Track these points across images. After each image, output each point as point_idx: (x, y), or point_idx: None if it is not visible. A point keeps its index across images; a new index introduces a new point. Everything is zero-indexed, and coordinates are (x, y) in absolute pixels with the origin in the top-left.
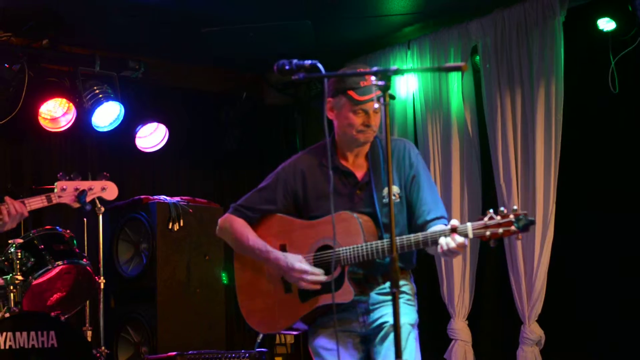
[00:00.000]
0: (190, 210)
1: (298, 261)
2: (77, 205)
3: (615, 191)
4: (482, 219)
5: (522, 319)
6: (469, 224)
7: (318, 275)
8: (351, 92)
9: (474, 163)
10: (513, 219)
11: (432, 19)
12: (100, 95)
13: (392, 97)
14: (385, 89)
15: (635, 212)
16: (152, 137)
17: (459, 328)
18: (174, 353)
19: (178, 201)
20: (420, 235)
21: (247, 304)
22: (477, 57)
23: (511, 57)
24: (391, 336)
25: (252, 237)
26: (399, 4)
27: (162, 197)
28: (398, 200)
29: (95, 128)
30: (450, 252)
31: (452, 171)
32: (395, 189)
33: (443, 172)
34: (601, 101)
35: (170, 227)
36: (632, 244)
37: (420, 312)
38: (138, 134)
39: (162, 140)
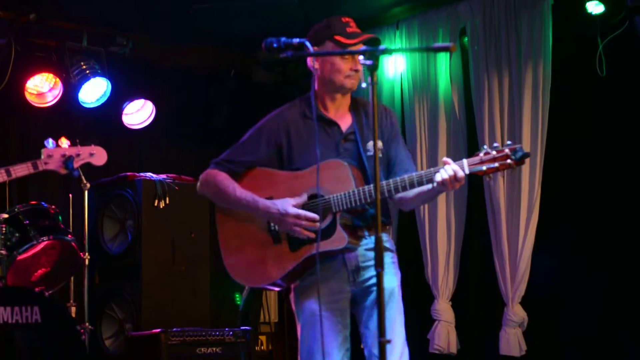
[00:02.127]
0: (177, 188)
1: (290, 207)
2: (64, 171)
3: (602, 174)
4: (477, 155)
5: (505, 300)
6: (464, 160)
7: (314, 219)
8: (339, 37)
9: (461, 144)
10: (509, 152)
11: (422, 0)
12: (87, 71)
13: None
14: (373, 68)
15: (621, 195)
16: (139, 113)
17: (443, 309)
18: (157, 330)
19: (164, 178)
20: (414, 175)
21: (232, 259)
22: (466, 39)
23: (499, 39)
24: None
25: (238, 189)
26: None
27: (149, 174)
28: (380, 155)
29: (82, 104)
30: (447, 184)
31: (438, 153)
32: (380, 143)
33: (430, 153)
34: (588, 84)
35: (156, 204)
36: (618, 228)
37: (404, 293)
38: (125, 111)
39: (149, 117)
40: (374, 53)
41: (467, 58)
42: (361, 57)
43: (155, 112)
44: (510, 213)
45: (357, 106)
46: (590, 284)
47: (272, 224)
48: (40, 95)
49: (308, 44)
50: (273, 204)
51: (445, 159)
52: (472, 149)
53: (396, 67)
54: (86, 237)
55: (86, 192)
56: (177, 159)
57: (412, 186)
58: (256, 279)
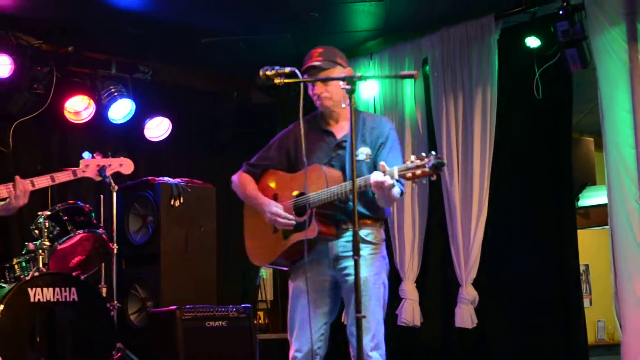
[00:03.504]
0: (189, 190)
1: (274, 206)
2: (98, 178)
3: (537, 177)
4: (405, 163)
5: (460, 282)
6: (395, 167)
7: (289, 217)
8: (306, 70)
9: (423, 155)
10: (426, 162)
11: (391, 35)
12: (116, 94)
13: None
14: (351, 92)
15: (551, 196)
16: (158, 128)
17: (409, 289)
18: (174, 307)
19: (179, 182)
20: (362, 179)
21: (249, 244)
22: (427, 67)
23: (455, 67)
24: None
25: (250, 188)
26: (363, 22)
27: (166, 178)
28: (368, 161)
29: (111, 121)
30: (378, 186)
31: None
32: (368, 150)
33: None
34: (527, 104)
35: (172, 203)
36: (546, 225)
37: None
38: (146, 126)
39: (166, 131)
40: (351, 79)
41: (428, 83)
42: (341, 83)
43: (172, 127)
44: (464, 208)
45: (356, 119)
46: (533, 268)
47: None
48: (76, 113)
49: (298, 72)
50: (266, 203)
51: (382, 162)
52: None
53: (370, 91)
54: (114, 231)
55: (114, 194)
56: (189, 166)
57: (359, 188)
58: (262, 259)
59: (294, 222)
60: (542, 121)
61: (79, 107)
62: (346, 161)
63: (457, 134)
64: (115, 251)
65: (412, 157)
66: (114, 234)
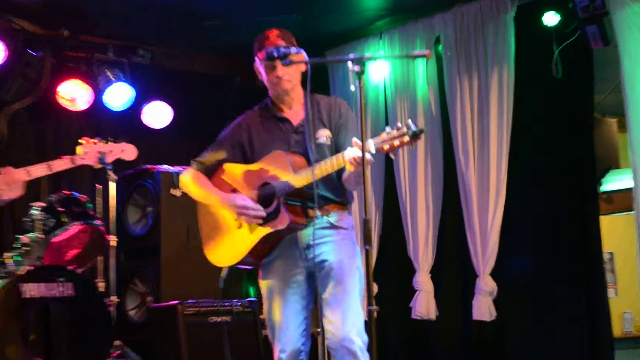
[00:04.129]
0: None
1: (240, 199)
2: (99, 165)
3: (558, 162)
4: (380, 135)
5: (477, 272)
6: (370, 140)
7: (258, 209)
8: (260, 54)
9: (437, 138)
10: (405, 130)
11: (401, 14)
12: (113, 79)
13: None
14: (360, 73)
15: (572, 181)
16: (158, 115)
17: (423, 280)
18: (175, 302)
19: (179, 170)
20: (333, 157)
21: (210, 246)
22: (440, 47)
23: (469, 47)
24: (332, 275)
25: (203, 185)
26: (372, 2)
27: (166, 166)
28: (329, 143)
29: (108, 107)
30: (356, 162)
31: (417, 146)
32: (328, 132)
33: (409, 148)
34: (546, 84)
35: (172, 193)
36: (567, 211)
37: (390, 267)
38: (144, 111)
39: (166, 118)
40: (360, 60)
41: (441, 64)
42: (350, 64)
43: (172, 113)
44: (481, 195)
45: (312, 102)
46: (552, 257)
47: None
48: (72, 100)
49: (304, 53)
50: (228, 197)
51: (354, 139)
52: (446, 142)
53: (380, 72)
54: (112, 222)
55: (112, 183)
56: (190, 153)
57: (332, 167)
58: (227, 259)
59: (264, 213)
60: (562, 102)
61: (74, 94)
62: (308, 146)
63: (472, 116)
64: (113, 244)
65: (387, 129)
66: (112, 225)
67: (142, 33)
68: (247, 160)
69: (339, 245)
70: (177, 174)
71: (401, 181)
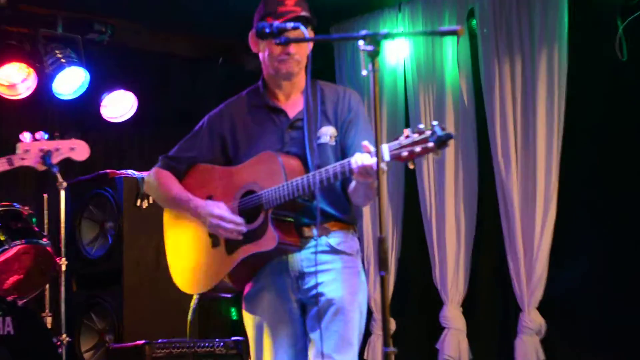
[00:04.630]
0: None
1: (217, 208)
2: (42, 167)
3: (623, 166)
4: (397, 139)
5: (520, 306)
6: (384, 145)
7: (238, 222)
8: (269, 19)
9: (470, 137)
10: (428, 135)
11: None
12: (63, 60)
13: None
14: (374, 54)
15: None
16: (119, 105)
17: (453, 316)
18: (141, 342)
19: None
20: (337, 165)
21: (177, 266)
22: (474, 21)
23: (511, 22)
24: (328, 314)
25: (174, 188)
26: None
27: (130, 171)
28: (334, 143)
29: (57, 96)
30: (364, 172)
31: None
32: (332, 130)
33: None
34: (608, 69)
35: (138, 204)
36: (632, 230)
37: (411, 299)
38: (103, 102)
39: (130, 109)
40: (374, 38)
41: (475, 43)
42: (361, 43)
43: (137, 104)
44: (525, 208)
45: (314, 91)
46: (617, 286)
47: None
48: (11, 86)
49: (304, 28)
50: (203, 205)
51: (365, 142)
52: (482, 143)
53: (399, 53)
54: (62, 241)
55: (62, 192)
56: (162, 153)
57: (336, 177)
58: (199, 284)
59: (244, 229)
60: (628, 89)
61: (14, 79)
62: (306, 146)
63: (514, 108)
64: (63, 268)
65: (407, 131)
66: (62, 245)
67: (99, 3)
68: (228, 160)
69: (340, 275)
70: (145, 179)
71: (425, 191)
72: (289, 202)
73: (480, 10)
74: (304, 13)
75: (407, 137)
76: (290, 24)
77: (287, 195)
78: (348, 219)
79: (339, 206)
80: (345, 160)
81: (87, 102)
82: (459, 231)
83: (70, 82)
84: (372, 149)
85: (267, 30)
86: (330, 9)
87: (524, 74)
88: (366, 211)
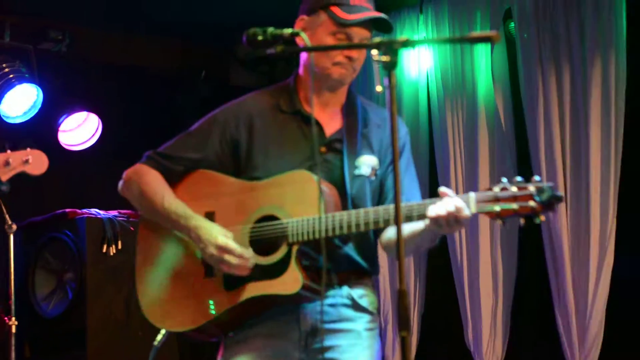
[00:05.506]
0: (132, 228)
1: (221, 235)
2: None
3: None
4: (491, 189)
5: None
6: (471, 194)
7: (246, 256)
8: (335, 9)
9: (508, 163)
10: (534, 191)
11: None
12: (11, 76)
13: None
14: (391, 66)
15: None
16: (80, 130)
17: None
18: None
19: (115, 216)
20: (404, 206)
21: (149, 290)
22: (512, 24)
23: (556, 24)
24: None
25: (168, 196)
26: None
27: (94, 210)
28: (373, 178)
29: (4, 119)
30: (447, 221)
31: (479, 174)
32: (375, 161)
33: (467, 175)
34: None
35: (104, 250)
36: None
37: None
38: (62, 127)
39: (93, 134)
40: (391, 46)
41: (514, 49)
42: (375, 52)
43: (102, 128)
44: (577, 253)
45: (354, 109)
46: None
47: None
48: None
49: (304, 35)
50: (207, 228)
51: (443, 189)
52: (523, 170)
53: (421, 63)
54: (12, 297)
55: (11, 236)
56: None
57: (387, 223)
58: (176, 321)
59: (251, 264)
60: None
61: None
62: (346, 175)
63: (562, 128)
64: (13, 330)
65: (504, 181)
66: (12, 301)
67: (54, 6)
68: (238, 171)
69: (360, 340)
70: (112, 221)
71: (455, 234)
72: (320, 240)
73: (519, 11)
74: (381, 14)
75: (504, 189)
76: (288, 31)
77: (323, 231)
78: (372, 270)
79: (367, 254)
80: (414, 204)
81: (40, 126)
82: (496, 281)
83: (20, 101)
84: (451, 194)
85: (261, 38)
86: None
87: (574, 86)
88: (382, 258)
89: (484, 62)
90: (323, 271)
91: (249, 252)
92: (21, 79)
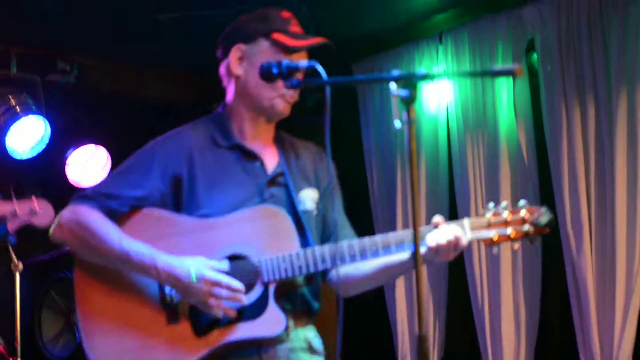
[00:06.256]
0: None
1: (207, 267)
2: None
3: None
4: (483, 215)
5: None
6: (465, 220)
7: (237, 287)
8: (278, 36)
9: (530, 199)
10: (527, 215)
11: (472, 3)
12: (18, 108)
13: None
14: (410, 100)
15: None
16: (89, 164)
17: None
18: None
19: None
20: (390, 235)
21: (98, 345)
22: (535, 56)
23: (581, 56)
24: None
25: (125, 237)
26: None
27: None
28: (316, 212)
29: (10, 153)
30: (446, 250)
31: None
32: (315, 194)
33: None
34: None
35: None
36: None
37: None
38: (69, 160)
39: (102, 168)
40: (410, 80)
41: (536, 82)
42: (393, 86)
43: (111, 162)
44: (602, 295)
45: (283, 142)
46: None
47: (167, 293)
48: None
49: (320, 68)
50: (180, 264)
51: (438, 218)
52: (545, 204)
53: (440, 97)
54: (18, 338)
55: (18, 275)
56: None
57: (374, 253)
58: None
59: (244, 299)
60: None
61: None
62: (298, 209)
63: (587, 164)
64: None
65: (491, 207)
66: (18, 343)
67: (63, 35)
68: (179, 209)
69: None
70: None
71: (475, 274)
72: (293, 279)
73: (542, 42)
74: (326, 41)
75: (496, 215)
76: (303, 63)
77: (304, 267)
78: (317, 310)
79: (317, 293)
80: (401, 233)
81: (48, 160)
82: (519, 324)
83: (27, 135)
84: (443, 221)
85: (275, 71)
86: (353, 42)
87: (598, 119)
88: (400, 300)
89: (505, 94)
90: (295, 311)
91: (238, 283)
92: (28, 111)
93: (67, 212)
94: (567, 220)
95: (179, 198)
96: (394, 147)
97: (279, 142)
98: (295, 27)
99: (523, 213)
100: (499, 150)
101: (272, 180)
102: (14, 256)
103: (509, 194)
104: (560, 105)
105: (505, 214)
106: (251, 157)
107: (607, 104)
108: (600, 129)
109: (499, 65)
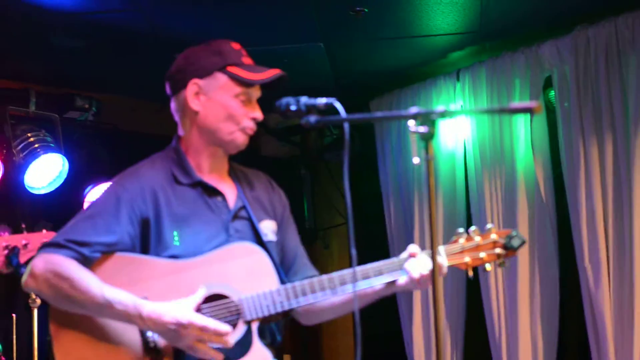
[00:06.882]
0: None
1: (188, 311)
2: (7, 270)
3: None
4: (456, 241)
5: None
6: (440, 247)
7: (224, 331)
8: (234, 69)
9: (549, 238)
10: (497, 238)
11: (489, 41)
12: (37, 145)
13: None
14: (428, 137)
15: None
16: None
17: None
18: None
19: None
20: (369, 267)
21: None
22: (552, 93)
23: (599, 92)
24: None
25: (106, 286)
26: (443, 21)
27: None
28: (275, 240)
29: (29, 189)
30: (426, 280)
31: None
32: (274, 225)
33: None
34: None
35: None
36: None
37: None
38: (87, 197)
39: None
40: (428, 117)
41: (554, 119)
42: (412, 123)
43: None
44: (620, 329)
45: (237, 173)
46: None
47: (150, 338)
48: None
49: (339, 105)
50: (167, 311)
51: (413, 248)
52: (564, 244)
53: (458, 134)
54: None
55: (35, 310)
56: None
57: (354, 284)
58: None
59: (231, 342)
60: None
61: None
62: (265, 242)
63: (605, 201)
64: None
65: (473, 230)
66: None
67: (81, 72)
68: (147, 251)
69: None
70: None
71: (493, 307)
72: (273, 315)
73: (560, 79)
74: (282, 73)
75: (469, 239)
76: (322, 101)
77: (283, 304)
78: (280, 343)
79: (282, 328)
80: (381, 264)
81: (66, 197)
82: (536, 357)
83: (46, 172)
84: (418, 250)
85: (294, 108)
86: (370, 79)
87: (616, 157)
88: (417, 332)
89: (523, 131)
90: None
91: (226, 326)
92: (46, 149)
93: (41, 262)
94: (585, 255)
95: (147, 240)
96: (411, 183)
97: (233, 173)
98: (247, 59)
99: (495, 236)
100: (517, 186)
101: (235, 215)
102: (32, 293)
103: (526, 230)
104: (578, 141)
105: (477, 239)
106: (213, 193)
107: (625, 141)
108: (618, 165)
109: (516, 102)
